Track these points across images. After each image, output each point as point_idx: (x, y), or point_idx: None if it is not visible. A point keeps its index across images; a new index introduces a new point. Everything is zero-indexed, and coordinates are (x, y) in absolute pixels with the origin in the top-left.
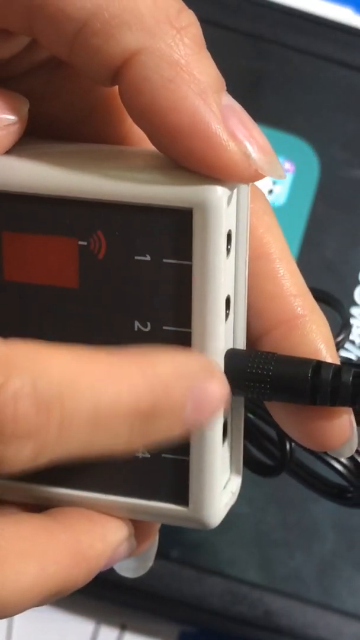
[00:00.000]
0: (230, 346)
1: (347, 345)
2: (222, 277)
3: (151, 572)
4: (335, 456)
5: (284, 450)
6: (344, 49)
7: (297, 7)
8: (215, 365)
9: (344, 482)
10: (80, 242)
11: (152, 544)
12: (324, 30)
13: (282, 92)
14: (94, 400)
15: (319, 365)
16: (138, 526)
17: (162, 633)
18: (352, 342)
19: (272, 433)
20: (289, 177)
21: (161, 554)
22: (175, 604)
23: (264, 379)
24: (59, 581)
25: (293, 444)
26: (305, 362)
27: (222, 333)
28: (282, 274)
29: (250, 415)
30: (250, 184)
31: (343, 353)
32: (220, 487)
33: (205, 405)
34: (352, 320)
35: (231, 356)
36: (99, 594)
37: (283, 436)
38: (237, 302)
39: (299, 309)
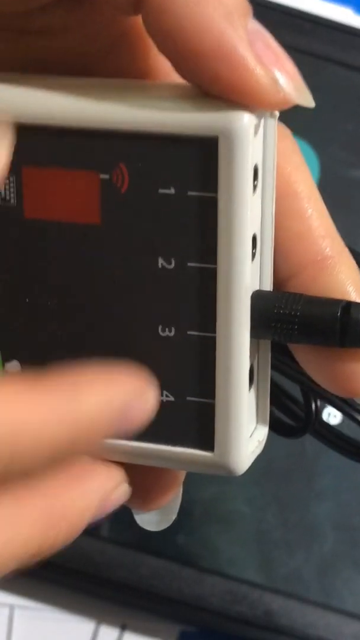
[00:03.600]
0: (257, 288)
1: None
2: (248, 212)
3: (151, 572)
4: None
5: (309, 409)
6: (344, 49)
7: (297, 8)
8: (145, 386)
9: None
10: (102, 176)
11: (176, 495)
12: (323, 31)
13: None
14: (11, 438)
15: (349, 305)
16: (161, 476)
17: (162, 633)
18: None
19: (295, 393)
20: None
21: (161, 554)
22: (175, 604)
23: (292, 319)
24: (34, 545)
25: (319, 402)
26: (334, 302)
27: (249, 271)
28: (310, 213)
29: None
30: (278, 122)
31: None
32: (247, 433)
33: (129, 423)
34: None
35: (257, 297)
36: (99, 594)
37: (309, 393)
38: (264, 241)
39: (327, 249)
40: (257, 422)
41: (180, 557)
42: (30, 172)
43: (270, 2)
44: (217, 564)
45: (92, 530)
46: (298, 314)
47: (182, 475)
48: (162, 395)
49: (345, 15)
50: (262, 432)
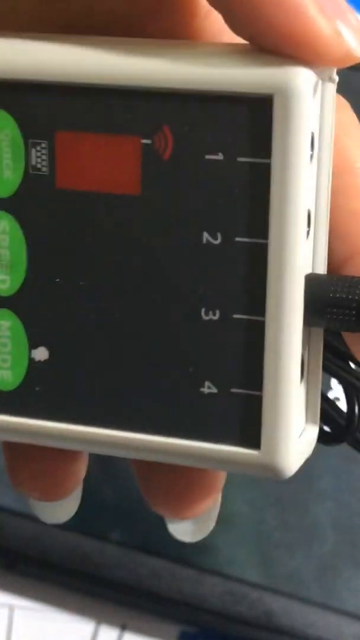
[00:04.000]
0: (310, 270)
1: None
2: (304, 181)
3: (151, 572)
4: None
5: (352, 413)
6: None
7: None
8: None
9: None
10: (144, 141)
11: (215, 501)
12: None
13: None
14: None
15: None
16: (199, 480)
17: (162, 633)
18: None
19: (334, 393)
20: None
21: (161, 554)
22: (175, 604)
23: (349, 304)
24: None
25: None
26: None
27: (302, 248)
28: None
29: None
30: (336, 93)
31: None
32: (297, 431)
33: None
34: None
35: (311, 280)
36: (99, 594)
37: (354, 396)
38: (319, 219)
39: None
40: (307, 421)
41: (180, 557)
42: (64, 137)
43: None
44: (217, 564)
45: (93, 531)
46: (357, 298)
47: (221, 479)
48: (203, 386)
49: None
50: (312, 433)
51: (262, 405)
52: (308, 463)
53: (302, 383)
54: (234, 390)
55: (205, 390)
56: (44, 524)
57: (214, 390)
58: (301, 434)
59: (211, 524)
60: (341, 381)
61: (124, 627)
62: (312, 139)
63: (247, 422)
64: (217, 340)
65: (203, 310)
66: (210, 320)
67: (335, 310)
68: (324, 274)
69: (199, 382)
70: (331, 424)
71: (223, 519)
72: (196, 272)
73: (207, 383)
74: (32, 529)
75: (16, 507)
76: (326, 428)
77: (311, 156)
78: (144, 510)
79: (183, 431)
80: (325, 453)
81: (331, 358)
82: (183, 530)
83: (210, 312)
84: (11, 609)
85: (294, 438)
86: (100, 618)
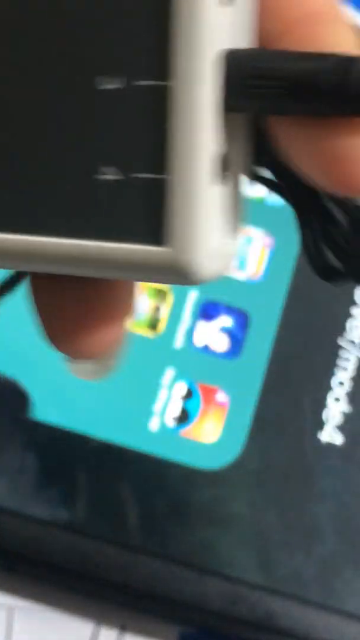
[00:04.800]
0: (235, 46)
1: (347, 345)
2: None
3: (151, 572)
4: None
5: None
6: None
7: None
8: None
9: None
10: None
11: (118, 337)
12: None
13: None
14: None
15: (352, 60)
16: (103, 308)
17: (162, 633)
18: (352, 342)
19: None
20: None
21: (161, 554)
22: (175, 604)
23: (277, 77)
24: None
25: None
26: (332, 56)
27: (215, 15)
28: None
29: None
30: None
31: (343, 353)
32: (212, 231)
33: None
34: (352, 321)
35: (232, 57)
36: (99, 594)
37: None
38: None
39: (319, 2)
40: (228, 230)
41: (180, 558)
42: None
43: None
44: (217, 565)
45: (93, 531)
46: (285, 69)
47: (126, 309)
48: (97, 172)
49: None
50: (232, 244)
51: (170, 194)
52: (308, 463)
53: (223, 182)
54: (136, 175)
55: (102, 176)
56: (44, 524)
57: (111, 176)
58: (219, 239)
59: (112, 363)
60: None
61: (123, 628)
62: None
63: (151, 214)
64: (115, 115)
65: (100, 79)
66: (109, 89)
67: (261, 87)
68: (246, 48)
69: (97, 168)
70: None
71: (223, 520)
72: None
73: (102, 168)
74: (32, 529)
75: (16, 507)
76: (335, 263)
77: None
78: (144, 511)
79: (81, 230)
80: (325, 453)
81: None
82: (84, 369)
83: (110, 80)
84: (11, 609)
85: (207, 235)
86: (100, 618)
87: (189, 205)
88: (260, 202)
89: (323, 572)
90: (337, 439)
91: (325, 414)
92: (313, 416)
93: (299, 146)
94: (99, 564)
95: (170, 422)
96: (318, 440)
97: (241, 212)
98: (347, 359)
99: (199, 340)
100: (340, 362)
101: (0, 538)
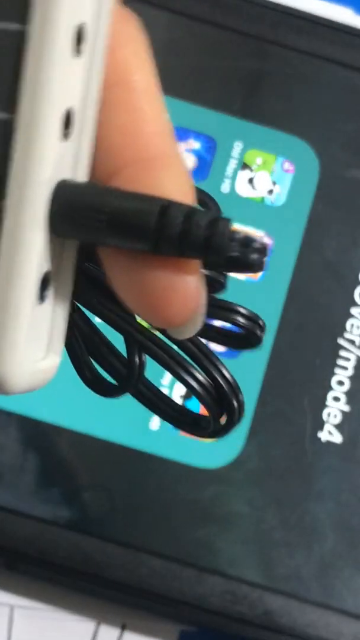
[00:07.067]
0: (68, 177)
1: (348, 345)
2: (61, 73)
3: (151, 572)
4: (175, 336)
5: (133, 363)
6: (344, 49)
7: (297, 7)
8: None
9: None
10: None
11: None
12: (324, 31)
13: (282, 92)
14: None
15: (170, 204)
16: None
17: (162, 633)
18: (352, 342)
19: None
20: (288, 178)
21: (161, 554)
22: (175, 604)
23: (101, 211)
24: None
25: (144, 357)
26: (153, 199)
27: (52, 147)
28: (141, 107)
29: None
30: (126, 8)
31: (343, 353)
32: (30, 348)
33: None
34: (352, 321)
35: (63, 187)
36: (99, 594)
37: (132, 343)
38: (84, 121)
39: (156, 149)
40: (44, 346)
41: (180, 557)
42: None
43: (270, 2)
44: (217, 564)
45: (93, 531)
46: (106, 205)
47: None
48: None
49: (345, 16)
50: (51, 362)
51: None
52: (308, 463)
53: (46, 303)
54: None
55: None
56: (45, 522)
57: None
58: (33, 354)
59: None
60: (117, 329)
61: (124, 627)
62: (80, 32)
63: None
64: None
65: None
66: None
67: (87, 219)
68: (79, 182)
69: None
70: (114, 373)
71: (223, 519)
72: None
73: None
74: (32, 529)
75: (16, 506)
76: (113, 382)
77: (78, 50)
78: (144, 509)
79: None
80: (325, 453)
81: (109, 304)
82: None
83: None
84: (11, 608)
85: (19, 351)
86: (100, 618)
87: (6, 326)
88: (260, 203)
89: (323, 570)
90: (337, 438)
91: (325, 413)
92: (313, 415)
93: (120, 277)
94: (99, 563)
95: None
96: (318, 439)
97: (61, 329)
98: (347, 359)
99: None
100: (340, 362)
101: (1, 537)
